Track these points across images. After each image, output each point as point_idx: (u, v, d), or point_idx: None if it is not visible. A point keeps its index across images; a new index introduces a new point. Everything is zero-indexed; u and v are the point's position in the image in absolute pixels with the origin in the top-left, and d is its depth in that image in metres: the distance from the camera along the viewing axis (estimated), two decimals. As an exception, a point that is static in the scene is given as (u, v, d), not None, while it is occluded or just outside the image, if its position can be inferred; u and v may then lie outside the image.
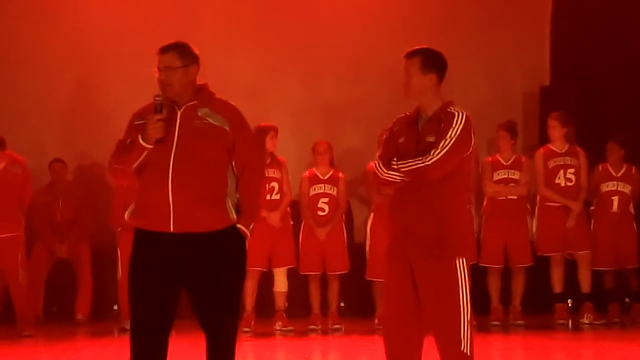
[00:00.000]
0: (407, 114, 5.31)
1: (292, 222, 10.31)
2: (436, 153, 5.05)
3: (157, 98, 5.21)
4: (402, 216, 5.18)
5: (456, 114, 5.13)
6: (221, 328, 5.23)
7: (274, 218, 10.01)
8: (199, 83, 5.33)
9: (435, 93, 5.21)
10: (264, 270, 10.15)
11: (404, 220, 5.16)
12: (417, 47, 5.25)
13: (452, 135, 5.07)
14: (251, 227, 5.24)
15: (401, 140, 5.22)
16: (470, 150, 5.16)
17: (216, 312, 5.21)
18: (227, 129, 5.19)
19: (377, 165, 5.27)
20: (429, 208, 5.10)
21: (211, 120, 5.20)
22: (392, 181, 5.20)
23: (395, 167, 5.15)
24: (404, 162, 5.12)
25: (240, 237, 5.21)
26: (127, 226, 9.79)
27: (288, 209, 10.30)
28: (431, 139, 5.11)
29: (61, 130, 11.88)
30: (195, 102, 5.25)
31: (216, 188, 5.17)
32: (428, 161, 5.05)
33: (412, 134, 5.20)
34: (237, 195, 5.24)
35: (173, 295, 5.20)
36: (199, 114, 5.22)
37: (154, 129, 5.15)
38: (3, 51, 11.78)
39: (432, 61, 5.21)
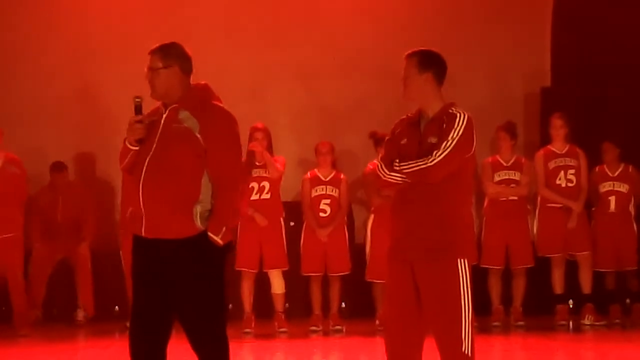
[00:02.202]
0: (409, 115, 5.31)
1: (283, 224, 10.26)
2: (438, 154, 5.05)
3: (136, 99, 5.19)
4: (404, 217, 5.17)
5: (458, 115, 5.13)
6: (200, 340, 5.13)
7: (261, 218, 9.99)
8: (198, 83, 5.28)
9: (434, 94, 5.21)
10: (257, 271, 10.12)
11: (406, 221, 5.16)
12: (415, 49, 5.26)
13: (454, 136, 5.07)
14: (221, 233, 5.06)
15: (403, 141, 5.21)
16: (472, 152, 5.15)
17: (191, 321, 5.14)
18: (197, 133, 5.09)
19: (379, 166, 5.26)
20: (430, 209, 5.10)
21: (186, 124, 5.13)
22: (394, 182, 5.20)
23: (397, 168, 5.15)
24: (406, 163, 5.12)
25: (208, 245, 5.07)
26: (125, 228, 10.06)
27: (282, 210, 10.26)
28: (433, 140, 5.11)
29: (61, 131, 11.86)
30: (177, 104, 5.19)
31: (184, 194, 5.07)
32: (430, 162, 5.05)
33: (414, 136, 5.20)
34: (212, 202, 5.13)
35: (163, 298, 5.15)
36: (179, 116, 5.16)
37: (131, 130, 5.16)
38: (3, 53, 11.78)
39: (428, 60, 5.20)
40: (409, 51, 5.25)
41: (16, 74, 11.78)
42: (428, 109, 5.21)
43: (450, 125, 5.09)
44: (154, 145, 5.14)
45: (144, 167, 5.11)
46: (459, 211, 5.16)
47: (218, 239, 5.07)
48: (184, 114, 5.15)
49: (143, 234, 5.13)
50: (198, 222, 5.08)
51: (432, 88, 5.20)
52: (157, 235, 5.10)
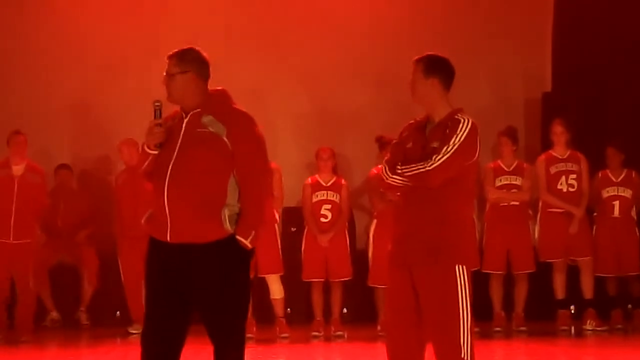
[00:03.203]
0: (417, 119, 5.31)
1: (277, 229, 10.26)
2: (437, 158, 5.05)
3: (156, 104, 5.19)
4: (404, 221, 5.18)
5: (462, 120, 5.13)
6: (224, 340, 5.15)
7: None
8: (215, 89, 5.28)
9: (441, 99, 5.21)
10: (252, 277, 10.09)
11: (406, 224, 5.17)
12: (422, 54, 5.27)
13: (455, 141, 5.07)
14: (250, 237, 5.09)
15: (409, 145, 5.23)
16: (475, 158, 5.15)
17: (217, 324, 5.14)
18: (224, 137, 5.09)
19: (383, 169, 5.28)
20: (429, 214, 5.10)
21: (211, 129, 5.11)
22: (395, 185, 5.21)
23: (399, 171, 5.16)
24: (407, 166, 5.13)
25: (237, 248, 5.08)
26: (126, 234, 10.11)
27: (276, 215, 10.28)
28: (436, 144, 5.11)
29: (65, 137, 11.88)
30: (200, 109, 5.18)
31: (212, 198, 5.07)
32: (429, 166, 5.05)
33: (419, 140, 5.20)
34: (239, 206, 5.13)
35: (181, 304, 5.14)
36: (203, 121, 5.15)
37: (150, 134, 5.15)
38: (8, 56, 11.79)
39: (435, 65, 5.22)
40: (417, 56, 5.26)
41: (21, 81, 11.78)
42: (434, 114, 5.22)
43: (453, 131, 5.09)
44: (177, 150, 5.12)
45: (168, 172, 5.09)
46: (459, 216, 5.15)
47: (247, 243, 5.09)
48: (207, 119, 5.14)
49: (168, 239, 5.10)
50: (227, 225, 5.07)
51: (439, 93, 5.21)
52: (184, 239, 5.07)
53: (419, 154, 5.14)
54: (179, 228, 5.07)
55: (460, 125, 5.11)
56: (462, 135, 5.09)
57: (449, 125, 5.13)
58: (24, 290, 10.22)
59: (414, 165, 5.11)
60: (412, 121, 5.34)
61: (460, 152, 5.07)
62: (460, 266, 5.07)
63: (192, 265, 5.09)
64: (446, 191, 5.09)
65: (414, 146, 5.19)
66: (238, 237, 5.08)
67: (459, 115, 5.17)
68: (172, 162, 5.11)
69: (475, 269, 5.18)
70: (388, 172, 5.22)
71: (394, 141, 5.36)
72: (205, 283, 5.09)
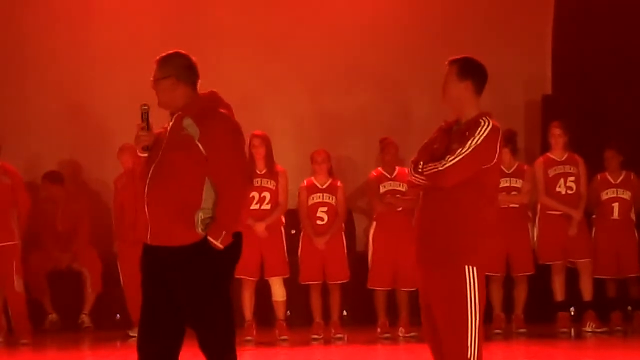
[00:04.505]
0: (448, 121, 5.35)
1: (283, 232, 10.26)
2: (450, 159, 5.10)
3: (143, 107, 5.24)
4: (423, 220, 5.26)
5: (482, 123, 5.16)
6: (207, 342, 5.17)
7: (259, 228, 9.98)
8: (204, 92, 5.29)
9: (471, 102, 5.26)
10: (257, 279, 10.08)
11: (424, 224, 5.25)
12: (459, 56, 5.32)
13: (471, 144, 5.10)
14: (221, 238, 5.07)
15: (436, 145, 5.28)
16: (493, 161, 5.17)
17: (196, 328, 5.17)
18: (196, 140, 5.11)
19: (409, 167, 5.33)
20: (446, 214, 5.15)
21: (188, 131, 5.15)
22: (417, 184, 5.26)
23: (420, 170, 5.22)
24: (427, 166, 5.19)
25: (208, 250, 5.09)
26: (125, 238, 10.07)
27: (282, 218, 10.29)
28: (456, 146, 5.15)
29: (60, 142, 11.86)
30: (181, 112, 5.22)
31: (185, 201, 5.10)
32: (441, 166, 5.11)
33: (444, 141, 5.26)
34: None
35: (172, 305, 5.17)
36: (183, 124, 5.19)
37: (136, 137, 5.22)
38: (2, 65, 11.79)
39: (469, 69, 5.28)
40: (453, 57, 5.31)
41: (17, 86, 11.76)
42: (463, 116, 5.28)
43: (471, 134, 5.14)
44: (160, 153, 5.17)
45: (149, 175, 5.15)
46: (476, 219, 5.16)
47: (217, 243, 5.08)
48: (187, 122, 5.18)
49: (148, 241, 5.18)
50: (199, 229, 5.09)
51: (470, 96, 5.27)
52: (160, 242, 5.14)
53: (442, 154, 5.19)
54: (156, 230, 5.14)
55: (479, 129, 5.15)
56: (479, 139, 5.12)
57: (471, 127, 5.17)
58: (10, 292, 10.14)
59: (432, 164, 5.16)
60: (443, 122, 5.38)
61: (476, 155, 5.10)
62: (470, 267, 5.11)
63: (168, 268, 5.13)
64: (464, 193, 5.13)
65: (440, 147, 5.25)
66: (208, 238, 5.09)
67: (483, 118, 5.20)
68: (153, 165, 5.16)
69: (489, 273, 5.17)
70: (412, 171, 5.28)
71: (425, 141, 5.40)
72: (180, 286, 5.13)
